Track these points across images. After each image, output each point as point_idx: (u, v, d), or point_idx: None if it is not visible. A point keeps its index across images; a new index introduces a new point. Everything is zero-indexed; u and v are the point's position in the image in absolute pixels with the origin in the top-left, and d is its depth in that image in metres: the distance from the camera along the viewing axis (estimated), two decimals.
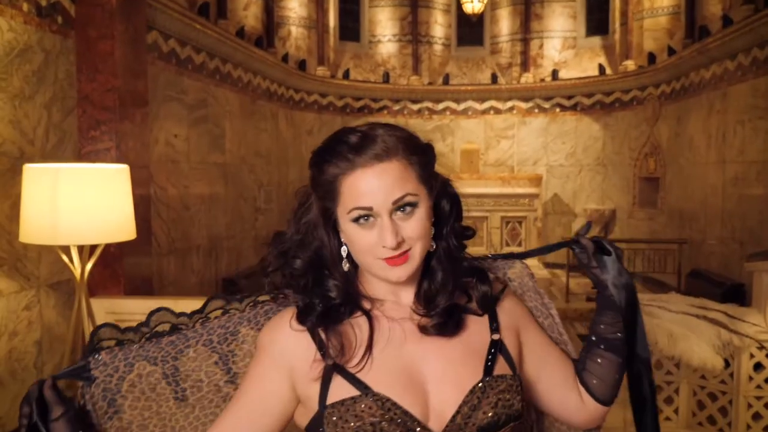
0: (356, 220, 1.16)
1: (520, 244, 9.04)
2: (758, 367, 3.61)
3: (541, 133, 11.13)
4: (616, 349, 1.33)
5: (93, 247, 3.17)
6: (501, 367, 1.22)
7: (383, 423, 1.11)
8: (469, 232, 1.30)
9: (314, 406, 1.17)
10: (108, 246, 3.20)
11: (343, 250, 1.23)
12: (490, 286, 1.28)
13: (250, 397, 1.22)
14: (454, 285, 1.24)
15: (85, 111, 4.17)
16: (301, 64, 10.12)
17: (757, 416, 3.63)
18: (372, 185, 1.14)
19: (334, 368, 1.16)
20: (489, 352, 1.23)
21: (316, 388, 1.17)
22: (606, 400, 1.35)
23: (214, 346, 1.32)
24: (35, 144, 3.76)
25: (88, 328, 3.32)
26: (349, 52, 11.42)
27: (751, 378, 3.61)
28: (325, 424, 1.13)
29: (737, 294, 5.55)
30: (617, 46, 10.44)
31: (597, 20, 10.94)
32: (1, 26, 3.48)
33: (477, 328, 1.25)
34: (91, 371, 1.26)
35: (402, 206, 1.15)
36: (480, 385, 1.18)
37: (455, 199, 1.28)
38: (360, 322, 1.21)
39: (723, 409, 3.70)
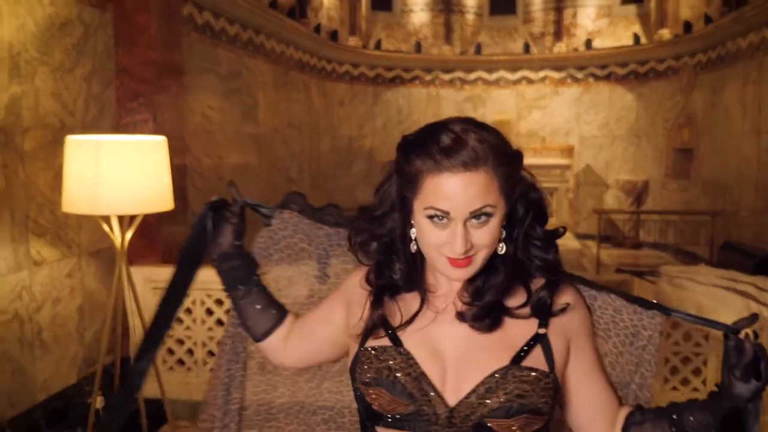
0: (430, 217, 1.18)
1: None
2: None
3: (574, 104, 11.06)
4: None
5: (132, 217, 3.27)
6: (535, 361, 1.23)
7: (400, 374, 1.22)
8: (557, 235, 1.30)
9: (357, 347, 1.31)
10: (146, 215, 3.29)
11: (413, 233, 1.26)
12: (550, 296, 1.27)
13: (319, 312, 1.47)
14: (506, 286, 1.26)
15: (123, 83, 4.27)
16: (333, 35, 10.14)
17: None
18: (454, 192, 1.15)
19: (377, 321, 1.30)
20: (527, 344, 1.25)
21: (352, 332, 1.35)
22: None
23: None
24: (76, 116, 3.86)
25: (129, 296, 3.44)
26: (381, 21, 11.41)
27: None
28: (357, 363, 1.28)
29: None
30: (653, 14, 10.28)
31: None
32: (42, 0, 3.56)
33: (521, 323, 1.26)
34: (272, 218, 1.56)
35: (478, 215, 1.17)
36: (501, 370, 1.21)
37: (535, 205, 1.26)
38: (411, 298, 1.31)
39: None
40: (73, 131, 3.71)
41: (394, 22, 11.50)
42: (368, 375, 1.25)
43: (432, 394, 1.21)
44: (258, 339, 1.51)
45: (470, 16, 11.69)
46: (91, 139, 3.05)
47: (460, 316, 1.25)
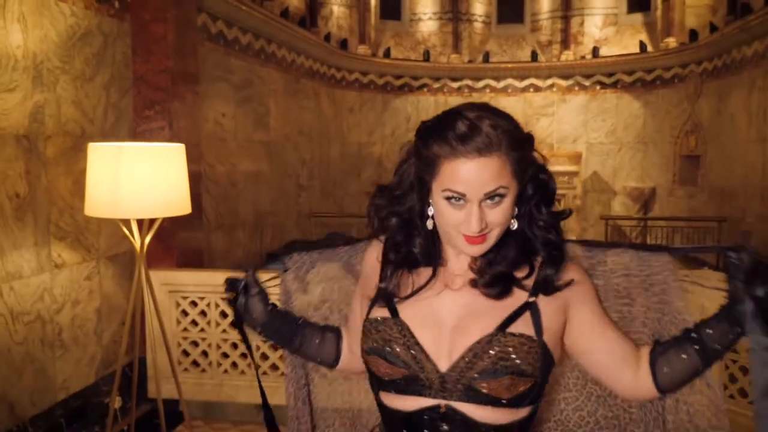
0: (448, 198, 1.28)
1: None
2: None
3: (581, 111, 11.14)
4: (707, 357, 1.36)
5: (151, 221, 3.38)
6: (522, 327, 1.32)
7: (395, 344, 1.34)
8: (562, 216, 1.41)
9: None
10: (162, 221, 3.40)
11: (430, 210, 1.36)
12: (554, 273, 1.35)
13: (355, 307, 1.57)
14: (517, 259, 1.36)
15: (140, 91, 4.39)
16: (343, 43, 10.28)
17: None
18: (470, 175, 1.24)
19: (382, 293, 1.41)
20: (515, 312, 1.33)
21: (366, 305, 1.44)
22: (663, 390, 1.39)
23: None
24: (95, 123, 3.98)
25: (148, 298, 3.54)
26: (389, 30, 11.53)
27: None
28: (363, 333, 1.41)
29: None
30: (659, 22, 10.37)
31: None
32: (64, 11, 3.69)
33: (518, 291, 1.35)
34: (286, 264, 1.71)
35: (492, 196, 1.26)
36: (486, 337, 1.30)
37: (542, 186, 1.36)
38: (425, 272, 1.40)
39: None
40: (92, 138, 3.82)
41: (403, 31, 11.63)
42: (369, 345, 1.37)
43: (425, 361, 1.31)
44: (332, 366, 1.63)
45: (478, 25, 11.80)
46: (113, 145, 3.16)
47: (473, 283, 1.35)
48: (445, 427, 1.31)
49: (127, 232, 3.34)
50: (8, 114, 3.29)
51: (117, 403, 3.85)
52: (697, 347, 1.35)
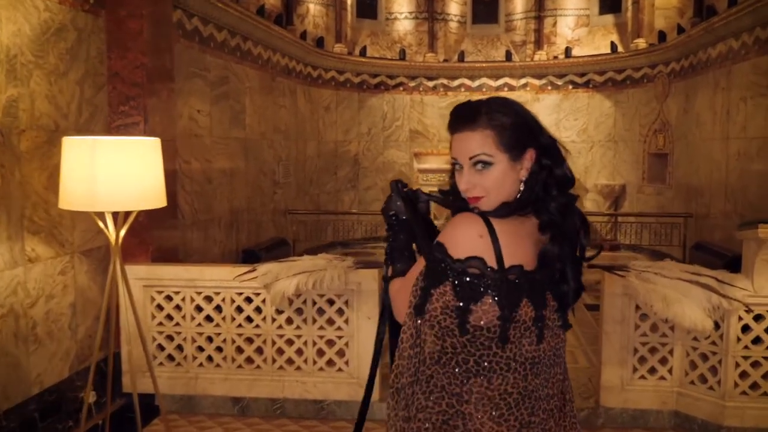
0: (453, 165, 1.71)
1: None
2: (746, 329, 3.82)
3: (554, 110, 11.31)
4: None
5: (126, 215, 3.43)
6: None
7: None
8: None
9: None
10: (137, 216, 3.44)
11: None
12: None
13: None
14: None
15: (115, 87, 4.43)
16: (319, 42, 10.34)
17: (744, 375, 3.85)
18: (459, 145, 1.67)
19: None
20: None
21: None
22: None
23: None
24: (69, 118, 4.01)
25: (124, 292, 3.58)
26: (366, 29, 11.63)
27: (739, 339, 3.82)
28: None
29: (738, 265, 5.69)
30: (629, 24, 10.56)
31: None
32: (38, 5, 3.71)
33: None
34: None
35: (476, 163, 1.64)
36: None
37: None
38: None
39: (713, 368, 3.92)
40: (66, 133, 3.84)
41: (379, 30, 11.73)
42: None
43: None
44: None
45: (453, 24, 11.94)
46: (87, 139, 3.20)
47: None
48: None
49: (102, 226, 3.38)
50: None
51: (91, 397, 3.89)
52: None
